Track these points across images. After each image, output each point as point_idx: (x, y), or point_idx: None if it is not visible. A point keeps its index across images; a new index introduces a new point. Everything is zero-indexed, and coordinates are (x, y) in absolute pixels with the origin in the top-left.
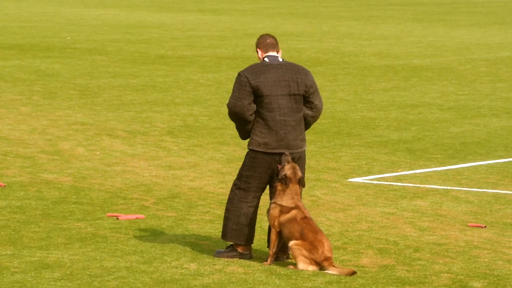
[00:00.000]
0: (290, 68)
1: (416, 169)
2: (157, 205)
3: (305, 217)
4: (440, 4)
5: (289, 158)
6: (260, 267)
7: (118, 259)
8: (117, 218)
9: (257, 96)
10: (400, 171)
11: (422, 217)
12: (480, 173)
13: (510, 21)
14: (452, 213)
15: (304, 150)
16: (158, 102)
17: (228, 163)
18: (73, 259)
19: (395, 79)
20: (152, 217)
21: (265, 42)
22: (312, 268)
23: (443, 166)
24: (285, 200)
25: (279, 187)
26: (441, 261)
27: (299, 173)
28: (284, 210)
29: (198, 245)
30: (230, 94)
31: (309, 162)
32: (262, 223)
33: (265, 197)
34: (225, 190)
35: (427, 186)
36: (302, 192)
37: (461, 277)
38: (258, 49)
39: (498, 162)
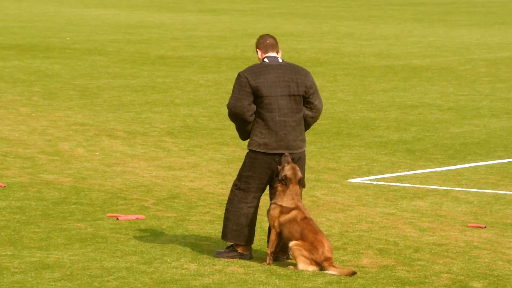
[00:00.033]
0: (290, 69)
1: (416, 170)
2: (157, 206)
3: (305, 218)
4: (440, 4)
5: (289, 159)
6: (260, 268)
7: (118, 259)
8: (117, 219)
9: (257, 97)
10: (400, 172)
11: (422, 217)
12: (480, 173)
13: (510, 21)
14: (452, 213)
15: (304, 151)
16: (158, 103)
17: (228, 163)
18: (73, 260)
19: (395, 80)
20: (152, 218)
21: (265, 42)
22: (312, 268)
23: (443, 166)
24: (286, 201)
25: (279, 187)
26: (441, 262)
27: (299, 174)
28: (284, 210)
29: (198, 245)
30: (230, 95)
31: (309, 162)
32: (262, 224)
33: (265, 197)
34: (225, 190)
35: (427, 186)
36: (302, 193)
37: (461, 277)
38: (258, 50)
39: (498, 163)
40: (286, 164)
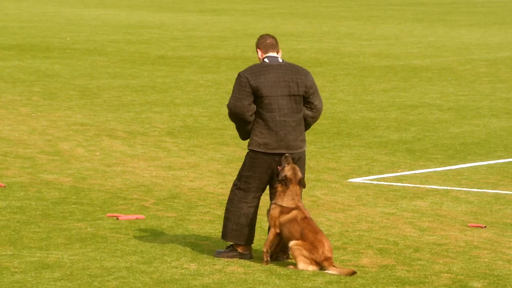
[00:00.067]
0: (290, 69)
1: (416, 170)
2: (157, 206)
3: (305, 217)
4: (440, 4)
5: (290, 159)
6: (260, 267)
7: (118, 259)
8: (117, 219)
9: (257, 97)
10: (400, 172)
11: (422, 217)
12: (480, 173)
13: (510, 21)
14: (452, 213)
15: (304, 151)
16: (158, 103)
17: (228, 163)
18: (73, 259)
19: (395, 80)
20: (152, 218)
21: (265, 42)
22: (312, 268)
23: (443, 166)
24: (286, 201)
25: (279, 188)
26: (441, 261)
27: (299, 174)
28: (284, 210)
29: (198, 245)
30: (230, 95)
31: (309, 162)
32: (262, 223)
33: (265, 197)
34: (225, 190)
35: (427, 186)
36: (302, 193)
37: (461, 277)
38: (258, 50)
39: (498, 163)
40: (286, 165)
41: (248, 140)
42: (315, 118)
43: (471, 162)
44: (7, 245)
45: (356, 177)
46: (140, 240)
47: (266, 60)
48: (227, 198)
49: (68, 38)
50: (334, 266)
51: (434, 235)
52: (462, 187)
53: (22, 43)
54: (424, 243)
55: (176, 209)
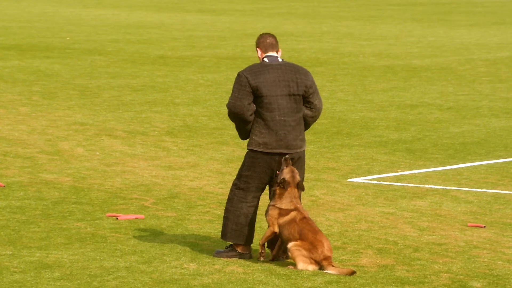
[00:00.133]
0: (289, 68)
1: (415, 169)
2: (157, 205)
3: (304, 218)
4: (439, 4)
5: (289, 162)
6: (259, 267)
7: (118, 259)
8: (117, 218)
9: (257, 96)
10: (400, 171)
11: (422, 217)
12: (479, 173)
13: (510, 21)
14: (452, 213)
15: (304, 150)
16: (158, 102)
17: (228, 163)
18: (73, 259)
19: (395, 79)
20: (151, 217)
21: (265, 42)
22: (312, 267)
23: (443, 166)
24: (284, 203)
25: (277, 191)
26: (441, 261)
27: (298, 177)
28: (283, 212)
29: (197, 245)
30: (229, 95)
31: (308, 162)
32: (261, 223)
33: (265, 197)
34: (225, 190)
35: (427, 186)
36: (302, 193)
37: (461, 277)
38: (257, 49)
39: (498, 162)
40: (285, 167)
41: (248, 139)
42: (314, 118)
43: (470, 162)
44: (7, 245)
45: (356, 177)
46: (139, 240)
47: (265, 59)
48: (226, 198)
49: (68, 38)
50: (333, 265)
51: (433, 235)
52: (462, 187)
53: (22, 43)
54: (424, 243)
55: (176, 208)
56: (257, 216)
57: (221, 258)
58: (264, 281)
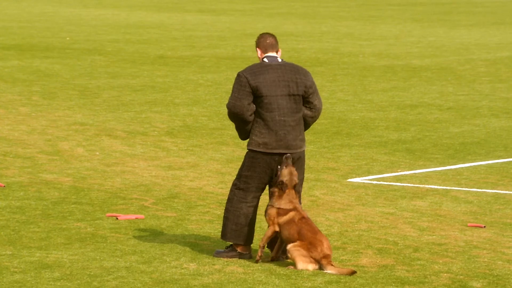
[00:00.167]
0: (289, 69)
1: (415, 169)
2: (157, 205)
3: (303, 218)
4: (439, 4)
5: (290, 161)
6: (259, 267)
7: (118, 259)
8: (117, 218)
9: (257, 97)
10: (400, 171)
11: (422, 217)
12: (479, 173)
13: (510, 21)
14: (452, 213)
15: (304, 150)
16: (158, 103)
17: (228, 163)
18: (73, 259)
19: (395, 79)
20: (151, 217)
21: (265, 42)
22: (312, 266)
23: (443, 166)
24: (283, 204)
25: (276, 192)
26: (441, 261)
27: (295, 179)
28: (281, 212)
29: (197, 245)
30: (229, 95)
31: (308, 162)
32: (261, 223)
33: (264, 197)
34: (225, 190)
35: (427, 186)
36: (302, 193)
37: (461, 277)
38: (257, 49)
39: (498, 162)
40: (284, 167)
41: (248, 140)
42: (314, 118)
43: (470, 162)
44: (7, 245)
45: (356, 177)
46: (139, 240)
47: (265, 59)
48: (226, 198)
49: (67, 38)
50: (332, 265)
51: (433, 235)
52: (462, 187)
53: (22, 43)
54: (424, 243)
55: (176, 209)
56: (257, 216)
57: (221, 258)
58: (264, 281)
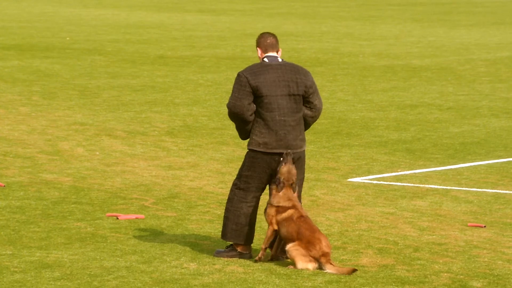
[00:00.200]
0: (289, 69)
1: (415, 169)
2: (157, 205)
3: (302, 216)
4: (439, 4)
5: (290, 157)
6: (259, 267)
7: (118, 258)
8: (117, 218)
9: (257, 96)
10: (400, 171)
11: (422, 217)
12: (479, 173)
13: (510, 21)
14: (452, 213)
15: (304, 150)
16: (158, 103)
17: (228, 163)
18: (73, 259)
19: (395, 79)
20: (151, 217)
21: (265, 42)
22: (311, 265)
23: (443, 166)
24: (282, 201)
25: (274, 190)
26: (441, 261)
27: (293, 179)
28: (280, 210)
29: (197, 245)
30: (229, 95)
31: (308, 162)
32: (261, 223)
33: (264, 196)
34: (225, 190)
35: (427, 186)
36: (302, 192)
37: (461, 276)
38: (258, 48)
39: (498, 162)
40: (284, 165)
41: (248, 139)
42: (314, 118)
43: (470, 162)
44: (7, 245)
45: (356, 177)
46: (139, 239)
47: (265, 59)
48: (226, 198)
49: (67, 38)
50: (332, 264)
51: (433, 235)
52: (462, 187)
53: (22, 43)
54: (424, 243)
55: (176, 208)
56: (257, 216)
57: (221, 258)
58: (264, 280)
